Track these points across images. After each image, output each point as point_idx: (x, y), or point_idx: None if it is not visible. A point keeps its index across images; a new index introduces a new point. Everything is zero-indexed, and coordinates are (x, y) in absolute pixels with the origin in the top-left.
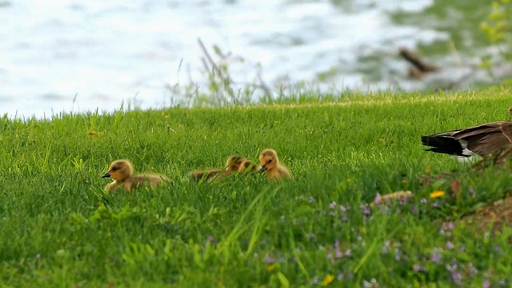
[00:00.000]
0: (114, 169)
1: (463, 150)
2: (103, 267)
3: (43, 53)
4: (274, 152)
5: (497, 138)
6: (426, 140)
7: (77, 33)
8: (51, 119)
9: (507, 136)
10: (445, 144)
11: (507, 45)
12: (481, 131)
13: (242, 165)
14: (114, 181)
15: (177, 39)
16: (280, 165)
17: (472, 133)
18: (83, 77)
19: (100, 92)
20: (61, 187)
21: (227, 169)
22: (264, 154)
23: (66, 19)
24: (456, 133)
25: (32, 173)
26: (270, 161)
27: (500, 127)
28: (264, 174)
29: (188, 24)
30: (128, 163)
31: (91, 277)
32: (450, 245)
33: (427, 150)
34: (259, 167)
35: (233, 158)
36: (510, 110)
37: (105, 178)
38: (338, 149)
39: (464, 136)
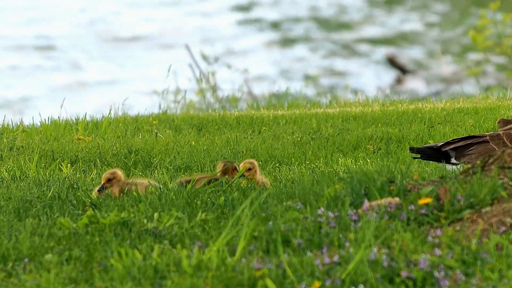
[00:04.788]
0: (109, 180)
1: (451, 159)
2: (91, 272)
3: None
4: (255, 162)
5: (484, 148)
6: (414, 150)
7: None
8: (39, 124)
9: (494, 146)
10: (433, 153)
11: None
12: (468, 141)
13: (221, 167)
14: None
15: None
16: (260, 176)
17: (459, 144)
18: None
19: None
20: (49, 192)
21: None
22: (244, 163)
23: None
24: (443, 144)
25: (20, 178)
26: (249, 169)
27: (488, 137)
28: (252, 180)
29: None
30: (119, 171)
31: (79, 281)
32: (437, 251)
33: (415, 158)
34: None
35: (225, 164)
36: (498, 122)
37: (93, 182)
38: (326, 155)
39: (451, 146)
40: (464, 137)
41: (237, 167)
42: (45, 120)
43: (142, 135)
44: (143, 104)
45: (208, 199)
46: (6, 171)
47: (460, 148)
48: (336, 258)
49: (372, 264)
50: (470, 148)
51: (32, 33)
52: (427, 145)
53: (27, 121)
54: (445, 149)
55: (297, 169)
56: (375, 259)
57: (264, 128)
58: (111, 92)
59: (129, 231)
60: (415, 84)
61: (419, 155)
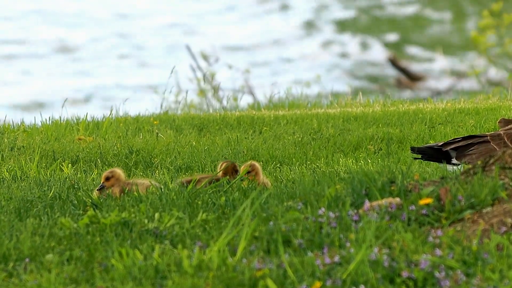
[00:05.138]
0: (107, 179)
1: (452, 159)
2: (91, 272)
3: None
4: (257, 165)
5: (485, 148)
6: (415, 150)
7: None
8: (40, 124)
9: (495, 146)
10: (434, 154)
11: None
12: (469, 141)
13: (223, 167)
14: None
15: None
16: (263, 177)
17: (460, 143)
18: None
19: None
20: (50, 192)
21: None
22: (245, 165)
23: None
24: (444, 144)
25: (21, 178)
26: (249, 172)
27: (488, 137)
28: (253, 180)
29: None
30: (119, 170)
31: (80, 281)
32: (438, 252)
33: (416, 158)
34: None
35: (225, 164)
36: (498, 122)
37: (94, 182)
38: (327, 155)
39: (452, 146)
40: (465, 137)
41: (238, 167)
42: (46, 120)
43: (143, 135)
44: (144, 104)
45: (209, 199)
46: (7, 171)
47: (461, 148)
48: (337, 258)
49: (373, 264)
50: (471, 148)
51: (53, 38)
52: (428, 144)
53: (28, 121)
54: (446, 149)
55: (298, 169)
56: (376, 259)
57: (265, 128)
58: (113, 91)
59: (130, 231)
60: (417, 86)
61: (420, 156)
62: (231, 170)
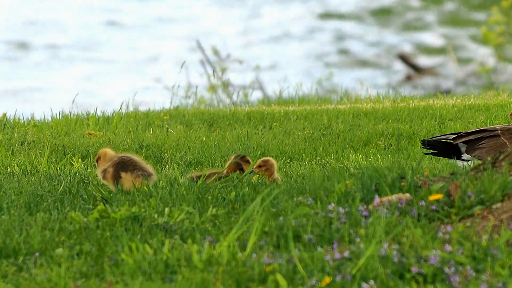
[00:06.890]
0: (97, 161)
1: (462, 155)
2: (101, 266)
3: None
4: (271, 161)
5: (495, 143)
6: (425, 143)
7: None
8: (50, 118)
9: (505, 140)
10: (444, 148)
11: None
12: (479, 135)
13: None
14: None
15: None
16: (276, 174)
17: (470, 137)
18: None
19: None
20: (60, 187)
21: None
22: (260, 160)
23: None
24: (455, 137)
25: (31, 172)
26: (260, 166)
27: (499, 131)
28: (263, 176)
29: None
30: (106, 149)
31: (90, 276)
32: (448, 247)
33: (426, 153)
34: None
35: (238, 156)
36: (510, 115)
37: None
38: (337, 151)
39: (463, 140)
40: (475, 131)
41: (249, 161)
42: (56, 115)
43: (153, 130)
44: (154, 99)
45: (219, 194)
46: (17, 166)
47: (471, 141)
48: (346, 253)
49: (383, 259)
50: (481, 142)
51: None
52: (438, 137)
53: (38, 116)
54: (456, 143)
55: (308, 165)
56: (386, 254)
57: (275, 124)
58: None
59: (140, 226)
60: (426, 80)
61: (430, 150)
62: (236, 168)
